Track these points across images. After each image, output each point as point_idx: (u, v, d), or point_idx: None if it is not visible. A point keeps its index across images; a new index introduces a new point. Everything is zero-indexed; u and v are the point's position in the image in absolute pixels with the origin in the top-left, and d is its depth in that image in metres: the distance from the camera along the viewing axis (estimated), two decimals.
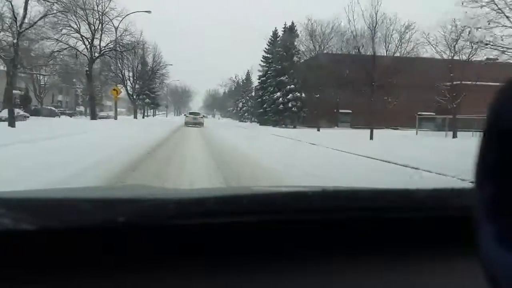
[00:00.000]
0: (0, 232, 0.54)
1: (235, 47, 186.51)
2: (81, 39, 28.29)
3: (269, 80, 42.15)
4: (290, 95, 36.82)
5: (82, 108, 55.73)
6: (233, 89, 79.02)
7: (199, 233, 0.64)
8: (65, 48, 27.93)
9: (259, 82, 47.94)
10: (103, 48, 29.55)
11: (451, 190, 0.71)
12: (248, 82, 69.39)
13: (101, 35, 29.12)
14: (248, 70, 70.67)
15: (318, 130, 25.47)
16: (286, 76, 36.94)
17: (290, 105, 36.57)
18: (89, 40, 28.63)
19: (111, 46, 29.61)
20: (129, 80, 40.30)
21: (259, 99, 46.47)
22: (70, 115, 41.87)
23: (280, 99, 37.38)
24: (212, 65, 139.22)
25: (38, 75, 39.89)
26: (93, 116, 29.06)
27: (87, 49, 28.91)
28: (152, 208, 0.62)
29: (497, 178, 0.32)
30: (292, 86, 36.58)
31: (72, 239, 0.59)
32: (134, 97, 41.17)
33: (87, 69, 28.91)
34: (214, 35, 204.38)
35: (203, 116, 35.59)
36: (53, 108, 42.84)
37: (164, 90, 66.41)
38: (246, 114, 65.10)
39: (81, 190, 1.22)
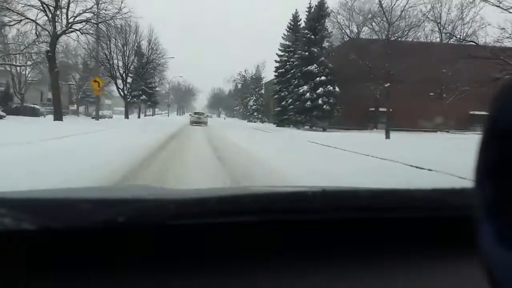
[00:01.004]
0: (1, 232, 0.56)
1: (239, 47, 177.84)
2: (41, 7, 19.03)
3: (291, 71, 33.01)
4: (320, 89, 27.55)
5: (76, 107, 48.11)
6: (239, 87, 69.62)
7: (200, 233, 0.68)
8: (20, 20, 18.80)
9: (275, 75, 38.97)
10: (71, 20, 20.24)
11: (451, 190, 0.74)
12: (258, 78, 59.91)
13: (69, 1, 19.87)
14: (258, 65, 61.22)
15: (388, 137, 16.29)
16: (315, 65, 27.59)
17: (320, 101, 27.30)
18: (51, 8, 19.39)
19: (85, 17, 20.35)
20: (119, 72, 31.03)
21: (275, 96, 37.32)
22: None
23: (308, 94, 28.14)
24: (216, 64, 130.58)
25: (16, 68, 30.93)
26: (57, 116, 20.00)
27: (49, 21, 19.66)
28: (152, 208, 0.66)
29: (497, 178, 0.32)
30: (323, 78, 27.30)
31: (72, 239, 0.63)
32: (126, 92, 31.84)
33: (48, 49, 19.65)
34: (218, 34, 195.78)
35: (207, 115, 40.41)
36: (37, 107, 40.57)
37: (166, 88, 57.11)
38: (255, 113, 55.62)
39: (82, 190, 1.20)
